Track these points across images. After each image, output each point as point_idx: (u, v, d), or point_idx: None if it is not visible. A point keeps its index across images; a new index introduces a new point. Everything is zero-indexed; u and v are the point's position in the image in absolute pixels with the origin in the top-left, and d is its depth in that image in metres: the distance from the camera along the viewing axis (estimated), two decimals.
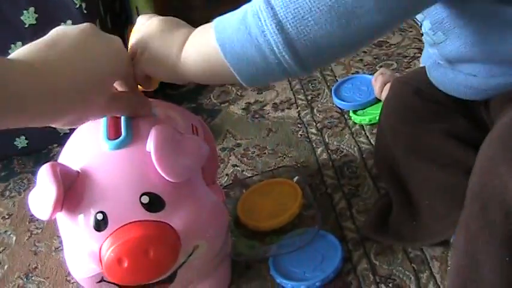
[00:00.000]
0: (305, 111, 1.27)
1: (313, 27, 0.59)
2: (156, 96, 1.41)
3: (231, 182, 1.12)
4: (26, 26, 1.19)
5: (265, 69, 0.63)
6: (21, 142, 1.36)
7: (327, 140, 1.17)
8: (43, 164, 1.22)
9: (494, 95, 0.80)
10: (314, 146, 1.17)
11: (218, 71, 0.67)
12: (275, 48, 0.61)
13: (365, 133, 1.16)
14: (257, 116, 1.31)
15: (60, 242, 0.94)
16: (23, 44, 1.15)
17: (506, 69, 0.75)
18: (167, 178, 0.71)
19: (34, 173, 1.27)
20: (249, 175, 1.13)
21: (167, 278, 0.77)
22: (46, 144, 1.38)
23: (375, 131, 1.14)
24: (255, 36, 0.61)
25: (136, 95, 0.77)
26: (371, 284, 0.86)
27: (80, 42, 0.66)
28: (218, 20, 0.66)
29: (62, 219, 0.74)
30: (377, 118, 1.13)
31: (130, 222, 0.71)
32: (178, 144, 0.72)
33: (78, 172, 0.73)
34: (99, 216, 0.71)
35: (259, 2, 0.62)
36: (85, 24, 0.69)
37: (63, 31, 0.67)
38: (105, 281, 0.76)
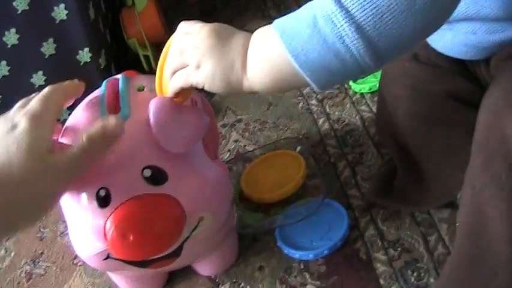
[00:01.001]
0: None
1: (394, 25, 0.55)
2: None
3: (233, 157, 1.11)
4: (19, 12, 1.18)
5: (343, 73, 0.59)
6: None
7: (328, 110, 1.16)
8: None
9: (494, 53, 0.79)
10: (315, 117, 1.16)
11: (289, 80, 0.62)
12: (355, 52, 0.56)
13: (366, 101, 1.15)
14: None
15: (65, 227, 0.94)
16: (17, 31, 1.18)
17: (506, 25, 0.74)
18: (168, 150, 0.70)
19: None
20: (251, 149, 1.12)
21: (173, 252, 0.77)
22: None
23: (375, 99, 1.13)
24: (332, 43, 0.56)
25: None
26: (379, 249, 0.86)
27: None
28: (281, 27, 0.59)
29: (65, 199, 0.73)
30: (377, 86, 1.12)
31: (134, 197, 0.70)
32: (178, 116, 0.70)
33: None
34: (102, 193, 0.70)
35: (329, 4, 0.56)
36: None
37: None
38: (111, 257, 0.75)
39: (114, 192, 0.70)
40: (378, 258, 0.84)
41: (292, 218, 0.91)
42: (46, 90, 0.67)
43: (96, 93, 0.82)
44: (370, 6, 0.54)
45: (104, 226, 0.71)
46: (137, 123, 0.73)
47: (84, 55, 1.27)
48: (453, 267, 0.68)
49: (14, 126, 0.62)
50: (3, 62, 1.23)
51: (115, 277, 0.89)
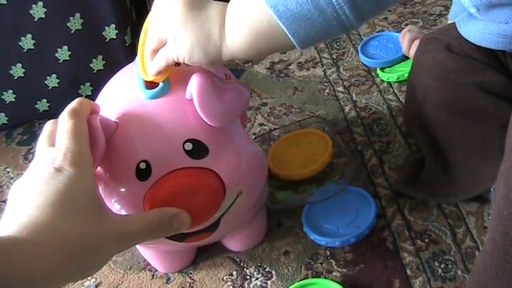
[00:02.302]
0: (331, 70, 1.26)
1: None
2: None
3: (259, 135, 1.11)
4: (35, 19, 1.20)
5: (323, 26, 0.59)
6: (42, 105, 1.35)
7: (354, 97, 1.16)
8: None
9: None
10: (342, 104, 1.15)
11: (271, 38, 0.62)
12: (334, 0, 0.57)
13: (393, 90, 1.14)
14: (282, 75, 1.29)
15: None
16: (44, 5, 1.17)
17: None
18: (210, 124, 0.70)
19: None
20: (276, 127, 1.13)
21: (210, 226, 0.77)
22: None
23: (403, 88, 1.12)
24: None
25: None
26: (406, 239, 0.85)
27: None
28: None
29: (103, 170, 0.73)
30: (405, 75, 1.11)
31: (175, 170, 0.70)
32: (219, 90, 0.70)
33: (116, 123, 0.72)
34: (142, 166, 0.70)
35: None
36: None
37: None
38: None
39: (155, 165, 0.70)
40: (405, 248, 0.84)
41: (321, 194, 0.93)
42: (70, 123, 0.64)
43: (130, 67, 0.81)
44: None
45: (144, 199, 0.70)
46: (178, 97, 0.72)
47: (110, 31, 1.26)
48: (486, 260, 0.67)
49: (57, 171, 0.59)
50: (29, 36, 1.23)
51: (145, 251, 0.89)
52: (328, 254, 0.86)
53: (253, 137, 1.12)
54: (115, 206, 0.73)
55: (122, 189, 0.72)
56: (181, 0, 0.67)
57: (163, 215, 0.66)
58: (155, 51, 0.71)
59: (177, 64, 0.75)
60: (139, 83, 0.74)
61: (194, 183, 0.70)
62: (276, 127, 1.13)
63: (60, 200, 0.56)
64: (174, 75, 0.74)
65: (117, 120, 0.72)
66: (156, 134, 0.71)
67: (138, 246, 0.89)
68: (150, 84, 0.73)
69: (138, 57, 0.77)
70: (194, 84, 0.69)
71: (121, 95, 0.77)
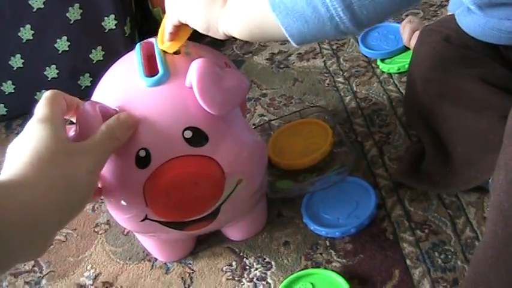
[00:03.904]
0: (331, 61, 1.25)
1: None
2: None
3: (259, 124, 1.12)
4: (34, 10, 1.20)
5: (316, 24, 0.60)
6: (41, 96, 1.32)
7: (354, 88, 1.15)
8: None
9: None
10: (342, 94, 1.15)
11: (265, 28, 0.64)
12: (328, 2, 0.58)
13: (393, 81, 1.14)
14: (282, 66, 1.28)
15: None
16: (32, 28, 1.17)
17: None
18: (210, 111, 0.70)
19: None
20: (276, 118, 1.13)
21: (210, 214, 0.77)
22: None
23: (403, 79, 1.12)
24: None
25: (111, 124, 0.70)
26: (406, 230, 0.85)
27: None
28: None
29: None
30: (406, 66, 1.11)
31: (174, 158, 0.70)
32: (219, 77, 0.70)
33: (116, 110, 0.72)
34: (142, 153, 0.70)
35: None
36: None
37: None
38: (149, 219, 0.75)
39: (154, 153, 0.70)
40: (405, 238, 0.84)
41: (322, 184, 0.93)
42: (47, 93, 0.69)
43: (129, 56, 0.82)
44: None
45: (144, 186, 0.70)
46: (177, 85, 0.73)
47: (110, 22, 1.26)
48: (486, 251, 0.68)
49: (28, 131, 0.63)
50: (28, 26, 1.23)
51: (145, 240, 0.89)
52: (328, 245, 0.86)
53: (253, 127, 1.11)
54: (115, 194, 0.73)
55: (122, 177, 0.72)
56: None
57: (109, 120, 0.69)
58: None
59: (176, 53, 0.78)
60: (139, 71, 0.74)
61: (194, 172, 0.70)
62: (276, 118, 1.13)
63: (35, 148, 0.60)
64: (174, 63, 0.75)
65: (117, 108, 0.72)
66: (155, 122, 0.71)
67: (138, 236, 0.90)
68: (150, 73, 0.74)
69: (159, 31, 0.81)
70: (193, 72, 0.69)
71: (121, 83, 0.77)
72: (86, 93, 1.32)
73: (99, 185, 0.75)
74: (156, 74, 0.73)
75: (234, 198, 0.77)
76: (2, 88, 1.31)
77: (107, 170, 0.72)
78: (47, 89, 1.26)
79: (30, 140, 0.61)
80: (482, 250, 0.70)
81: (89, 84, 1.34)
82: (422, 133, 0.95)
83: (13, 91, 1.32)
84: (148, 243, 0.89)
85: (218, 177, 0.72)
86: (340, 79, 1.19)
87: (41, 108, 0.66)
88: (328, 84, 1.19)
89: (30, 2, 1.19)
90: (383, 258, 0.82)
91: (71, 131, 0.69)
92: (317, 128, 1.02)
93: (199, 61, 0.69)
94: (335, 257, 0.84)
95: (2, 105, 1.34)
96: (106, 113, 0.69)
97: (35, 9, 1.20)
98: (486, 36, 0.83)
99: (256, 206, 0.87)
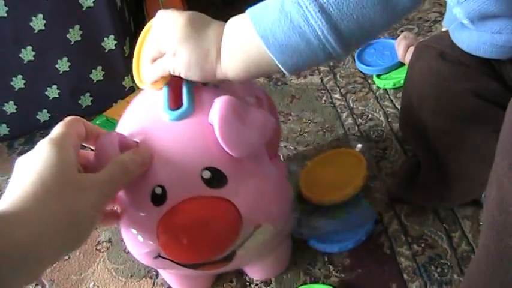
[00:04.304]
0: (328, 77, 1.27)
1: (355, 7, 0.59)
2: None
3: (291, 155, 1.09)
4: (35, 31, 1.21)
5: (310, 56, 0.62)
6: (43, 116, 1.36)
7: (351, 104, 1.17)
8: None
9: None
10: (339, 111, 1.16)
11: (261, 65, 0.65)
12: (319, 33, 0.60)
13: (389, 97, 1.16)
14: (279, 83, 1.30)
15: None
16: (43, 17, 1.18)
17: None
18: (231, 153, 0.67)
19: None
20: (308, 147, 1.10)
21: (225, 257, 0.74)
22: (68, 117, 1.38)
23: (399, 95, 1.13)
24: (297, 24, 0.60)
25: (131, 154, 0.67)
26: (403, 244, 0.86)
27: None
28: (253, 12, 0.64)
29: (119, 192, 0.70)
30: (401, 82, 1.13)
31: (190, 198, 0.67)
32: (243, 117, 0.67)
33: (137, 143, 0.69)
34: (158, 190, 0.68)
35: None
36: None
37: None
38: (161, 257, 0.72)
39: (171, 191, 0.67)
40: (402, 253, 0.85)
41: (350, 224, 0.89)
42: (67, 117, 0.68)
43: None
44: None
45: (158, 225, 0.68)
46: (200, 121, 0.69)
47: (109, 42, 1.28)
48: (479, 265, 0.69)
49: (37, 151, 0.61)
50: (29, 48, 1.24)
51: (165, 274, 0.87)
52: (327, 260, 0.88)
53: (289, 155, 1.09)
54: (130, 229, 0.72)
55: (137, 212, 0.70)
56: (184, 16, 0.69)
57: (123, 155, 0.66)
58: (153, 60, 0.73)
59: (205, 84, 0.75)
60: (163, 104, 0.72)
61: (209, 216, 0.67)
62: (309, 146, 1.11)
63: (40, 177, 0.58)
64: (200, 97, 0.72)
65: (137, 140, 0.70)
66: (174, 159, 0.68)
67: (159, 270, 0.89)
68: (174, 105, 0.72)
69: (134, 64, 0.77)
70: (216, 111, 0.66)
71: (145, 115, 0.75)
72: (86, 113, 1.36)
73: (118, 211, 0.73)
74: (181, 107, 0.71)
75: (251, 242, 0.73)
76: (4, 108, 1.32)
77: (123, 202, 0.71)
78: (48, 109, 1.30)
79: (38, 164, 0.59)
80: (476, 264, 0.71)
81: (90, 103, 1.36)
82: (418, 148, 0.96)
83: (15, 111, 1.33)
84: (167, 275, 0.87)
85: (234, 221, 0.69)
86: (337, 95, 1.21)
87: (56, 129, 0.65)
88: (325, 100, 1.21)
89: (31, 24, 1.21)
90: (380, 272, 0.84)
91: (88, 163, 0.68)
92: (351, 158, 0.97)
93: (222, 99, 0.67)
94: (333, 272, 0.86)
95: (4, 125, 1.36)
96: (125, 145, 0.67)
97: (36, 31, 1.22)
98: (479, 51, 0.84)
99: (278, 247, 0.84)
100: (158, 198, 0.68)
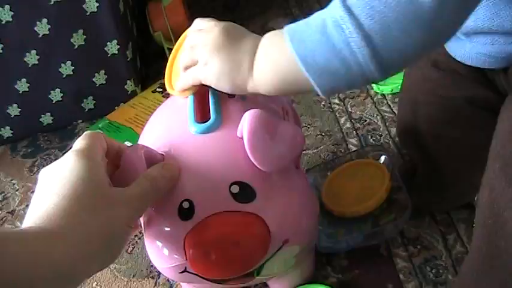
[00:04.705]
0: None
1: (400, 35, 0.57)
2: None
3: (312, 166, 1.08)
4: (51, 2, 1.21)
5: (348, 80, 0.61)
6: (46, 119, 1.38)
7: (349, 109, 1.19)
8: (68, 139, 1.24)
9: None
10: (337, 115, 1.19)
11: (294, 84, 0.64)
12: (361, 60, 0.58)
13: (387, 102, 1.18)
14: None
15: None
16: (48, 22, 1.21)
17: None
18: (260, 168, 0.66)
19: (61, 149, 1.32)
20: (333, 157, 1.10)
21: (252, 272, 0.73)
22: (71, 120, 1.41)
23: (396, 100, 1.16)
24: (339, 48, 0.58)
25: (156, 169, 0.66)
26: (399, 246, 0.89)
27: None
28: (292, 31, 0.62)
29: None
30: (399, 87, 1.14)
31: (218, 213, 0.66)
32: (273, 131, 0.66)
33: (163, 156, 0.69)
34: (186, 205, 0.66)
35: (338, 11, 0.58)
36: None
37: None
38: (188, 271, 0.71)
39: (198, 206, 0.66)
40: (398, 254, 0.88)
41: (373, 238, 0.89)
42: (87, 132, 0.66)
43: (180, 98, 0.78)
44: (378, 15, 0.56)
45: (184, 240, 0.67)
46: (228, 134, 0.69)
47: (112, 47, 1.30)
48: (471, 267, 0.70)
49: (65, 163, 0.60)
50: (33, 52, 1.26)
51: (185, 285, 0.86)
52: (325, 261, 0.90)
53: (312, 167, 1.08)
54: (156, 242, 0.71)
55: (164, 226, 0.69)
56: (220, 26, 0.69)
57: (152, 171, 0.65)
58: (186, 67, 0.72)
59: (231, 95, 0.74)
60: (190, 116, 0.71)
61: (239, 231, 0.66)
62: (308, 150, 1.12)
63: (75, 191, 0.57)
64: (227, 109, 0.72)
65: (163, 153, 0.69)
66: (202, 173, 0.67)
67: (183, 284, 0.87)
68: (201, 118, 0.71)
69: (166, 71, 0.78)
70: (245, 125, 0.65)
71: (170, 126, 0.74)
72: (89, 116, 1.38)
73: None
74: (208, 120, 0.70)
75: (278, 257, 0.72)
76: (8, 111, 1.34)
77: (149, 216, 0.71)
78: (51, 112, 1.32)
79: (70, 177, 0.58)
80: (468, 265, 0.73)
81: (92, 107, 1.38)
82: (414, 153, 0.98)
83: (18, 114, 1.35)
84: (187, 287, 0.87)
85: (263, 237, 0.67)
86: (336, 100, 1.23)
87: (80, 140, 0.63)
88: (323, 105, 1.23)
89: (36, 28, 1.23)
90: (377, 273, 0.86)
91: (114, 175, 0.66)
92: (374, 169, 0.95)
93: (252, 113, 0.65)
94: (332, 273, 0.88)
95: (8, 127, 1.37)
96: (151, 158, 0.67)
97: (40, 35, 1.24)
98: (472, 61, 0.85)
99: (303, 260, 0.83)
100: (185, 213, 0.67)
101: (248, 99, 0.74)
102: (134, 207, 0.61)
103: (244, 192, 0.67)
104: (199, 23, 0.74)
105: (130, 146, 0.68)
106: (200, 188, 0.67)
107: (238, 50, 0.67)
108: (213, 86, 0.69)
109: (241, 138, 0.66)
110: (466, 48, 0.84)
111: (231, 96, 0.74)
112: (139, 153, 0.65)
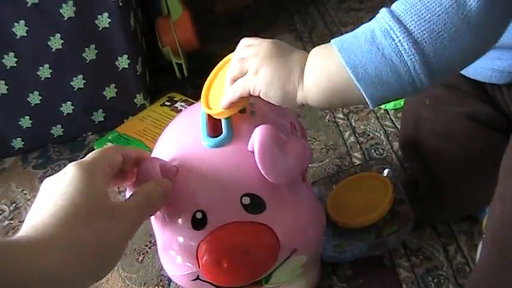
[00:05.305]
0: None
1: (449, 43, 0.58)
2: (184, 85, 1.47)
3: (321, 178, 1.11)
4: (65, 18, 1.25)
5: (398, 89, 0.61)
6: (57, 130, 1.41)
7: (353, 124, 1.23)
8: (78, 150, 1.27)
9: None
10: (341, 129, 1.22)
11: (344, 95, 0.64)
12: (411, 68, 0.58)
13: (390, 117, 1.22)
14: None
15: None
16: (61, 37, 1.24)
17: None
18: (270, 180, 0.69)
19: (71, 160, 1.33)
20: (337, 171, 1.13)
21: (260, 280, 0.75)
22: (81, 132, 1.44)
23: (399, 115, 1.19)
24: (389, 58, 0.59)
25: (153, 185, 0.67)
26: (402, 256, 0.92)
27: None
28: (340, 42, 0.63)
29: (158, 215, 0.73)
30: (401, 103, 1.18)
31: (230, 223, 0.69)
32: (282, 146, 0.69)
33: (177, 168, 0.71)
34: (199, 215, 0.70)
35: (387, 20, 0.59)
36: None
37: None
38: (200, 279, 0.73)
39: (211, 216, 0.69)
40: (401, 264, 0.91)
41: (377, 249, 0.92)
42: (104, 147, 0.66)
43: (193, 111, 0.82)
44: (427, 23, 0.57)
45: (197, 248, 0.70)
46: (239, 148, 0.72)
47: (123, 61, 1.33)
48: (481, 276, 0.73)
49: (66, 174, 0.61)
50: (46, 65, 1.30)
51: None
52: (330, 271, 0.93)
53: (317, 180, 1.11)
54: (169, 251, 0.73)
55: (177, 236, 0.72)
56: (268, 41, 0.71)
57: (147, 186, 0.66)
58: (234, 80, 0.72)
59: (242, 111, 0.76)
60: (202, 130, 0.74)
61: (249, 240, 0.69)
62: (314, 163, 1.15)
63: (72, 202, 0.57)
64: (238, 124, 0.74)
65: (177, 166, 0.72)
66: (214, 185, 0.70)
67: None
68: (213, 132, 0.74)
69: (203, 92, 0.78)
70: (256, 140, 0.68)
71: (183, 140, 0.77)
72: (99, 128, 1.41)
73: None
74: (220, 135, 0.72)
75: (287, 266, 0.75)
76: (20, 123, 1.37)
77: (165, 225, 0.73)
78: (62, 124, 1.35)
79: (68, 188, 0.59)
80: (476, 275, 0.75)
81: (102, 119, 1.42)
82: (416, 166, 1.01)
83: (30, 126, 1.38)
84: None
85: (273, 246, 0.70)
86: (340, 115, 1.27)
87: (88, 155, 0.65)
88: (328, 120, 1.26)
89: (49, 43, 1.26)
90: (381, 282, 0.89)
91: (127, 191, 0.70)
92: (377, 183, 0.98)
93: (262, 128, 0.68)
94: (337, 282, 0.91)
95: (19, 139, 1.41)
96: (166, 170, 0.69)
97: (53, 50, 1.27)
98: (479, 75, 0.86)
99: (309, 269, 0.85)
100: (198, 223, 0.70)
101: (257, 115, 0.77)
102: (129, 220, 0.62)
103: (255, 204, 0.70)
104: (247, 41, 0.74)
105: (146, 159, 0.70)
106: (213, 199, 0.70)
107: (288, 59, 0.68)
108: (261, 96, 0.69)
109: (252, 152, 0.68)
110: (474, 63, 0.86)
111: (241, 111, 0.76)
112: (155, 165, 0.68)
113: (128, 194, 0.70)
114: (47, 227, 0.55)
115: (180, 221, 0.71)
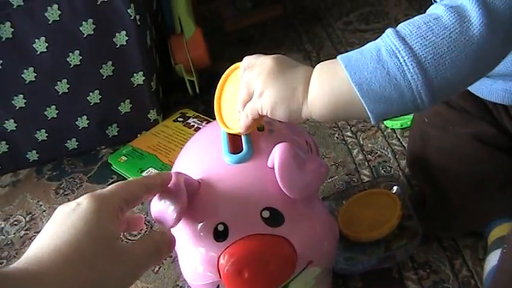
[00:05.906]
0: None
1: (450, 65, 0.61)
2: (195, 101, 1.50)
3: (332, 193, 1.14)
4: (84, 36, 1.29)
5: (400, 107, 0.64)
6: (71, 144, 1.44)
7: (361, 142, 1.27)
8: (91, 164, 1.31)
9: None
10: (350, 147, 1.26)
11: (347, 110, 0.67)
12: (414, 87, 0.61)
13: (396, 136, 1.26)
14: None
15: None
16: (80, 53, 1.28)
17: None
18: (289, 195, 0.73)
19: (85, 173, 1.38)
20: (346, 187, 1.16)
21: None
22: (95, 145, 1.47)
23: (405, 134, 1.23)
24: (393, 76, 0.61)
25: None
26: (410, 269, 0.96)
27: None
28: (346, 59, 0.65)
29: (181, 226, 0.75)
30: (408, 123, 1.22)
31: (250, 235, 0.72)
32: (301, 163, 0.73)
33: (199, 183, 0.76)
34: (220, 228, 0.73)
35: (393, 40, 0.62)
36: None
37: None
38: None
39: (232, 228, 0.73)
40: (409, 277, 0.95)
41: (386, 262, 0.95)
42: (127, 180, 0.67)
43: (213, 128, 0.85)
44: (431, 45, 0.60)
45: (218, 259, 0.73)
46: (259, 164, 0.76)
47: (138, 78, 1.37)
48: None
49: (77, 205, 0.61)
50: (64, 81, 1.33)
51: None
52: (341, 283, 0.96)
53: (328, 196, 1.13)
54: (191, 261, 0.77)
55: (199, 247, 0.75)
56: (271, 58, 0.73)
57: (157, 235, 0.68)
58: (244, 103, 0.75)
59: (260, 129, 0.81)
60: (223, 147, 0.79)
61: (269, 252, 0.72)
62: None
63: (77, 240, 0.58)
64: (257, 142, 0.79)
65: (200, 181, 0.76)
66: (236, 199, 0.74)
67: None
68: (234, 149, 0.78)
69: (215, 111, 0.81)
70: (277, 157, 0.71)
71: (205, 156, 0.82)
72: (112, 142, 1.45)
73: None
74: (240, 151, 0.77)
75: (302, 277, 0.79)
76: (36, 136, 1.41)
77: (187, 237, 0.76)
78: (77, 138, 1.39)
79: (76, 224, 0.59)
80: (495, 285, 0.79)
81: (116, 133, 1.45)
82: (423, 183, 1.05)
83: (45, 139, 1.41)
84: None
85: (291, 258, 0.74)
86: (348, 133, 1.31)
87: (108, 187, 0.66)
88: (337, 138, 1.30)
89: (68, 59, 1.30)
90: None
91: (155, 200, 0.73)
92: (386, 199, 1.01)
93: (282, 146, 0.72)
94: None
95: (35, 151, 1.44)
96: (190, 185, 0.73)
97: (72, 66, 1.31)
98: (492, 96, 0.89)
99: (323, 280, 0.88)
100: (220, 235, 0.73)
101: (275, 133, 0.82)
102: (135, 265, 0.62)
103: (274, 217, 0.74)
104: (249, 60, 0.76)
105: (171, 173, 0.73)
106: (234, 212, 0.74)
107: (291, 76, 0.70)
108: (268, 115, 0.71)
109: (272, 168, 0.73)
110: (487, 84, 0.88)
111: (260, 129, 0.81)
112: (180, 180, 0.72)
113: (152, 204, 0.73)
114: (48, 259, 0.55)
115: (202, 232, 0.74)
